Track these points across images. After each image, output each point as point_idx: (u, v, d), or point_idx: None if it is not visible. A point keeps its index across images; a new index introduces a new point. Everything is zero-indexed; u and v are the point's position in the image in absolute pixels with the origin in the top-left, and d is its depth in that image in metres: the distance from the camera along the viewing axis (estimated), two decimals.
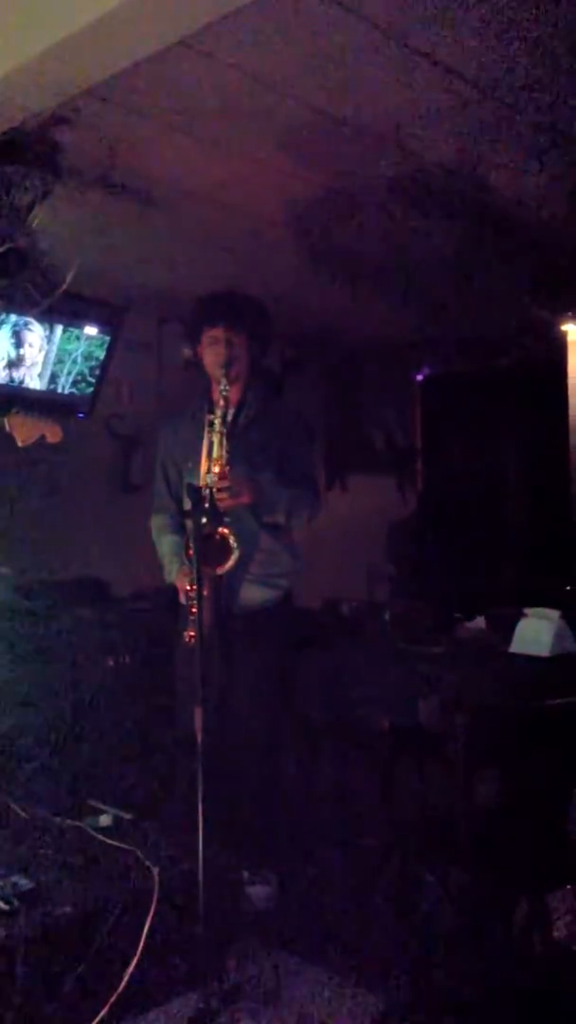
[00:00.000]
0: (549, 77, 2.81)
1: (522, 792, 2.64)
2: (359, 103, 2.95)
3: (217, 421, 2.93)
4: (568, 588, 4.74)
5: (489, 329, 6.17)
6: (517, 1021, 2.42)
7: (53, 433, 2.91)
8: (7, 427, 2.92)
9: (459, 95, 2.91)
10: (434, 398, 7.81)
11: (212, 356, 3.05)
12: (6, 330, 4.63)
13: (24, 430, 2.91)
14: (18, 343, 4.74)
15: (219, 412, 2.94)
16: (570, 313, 5.96)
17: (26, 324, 4.74)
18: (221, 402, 2.95)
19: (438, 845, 2.70)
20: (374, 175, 3.53)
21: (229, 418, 3.01)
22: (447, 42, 2.59)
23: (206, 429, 2.95)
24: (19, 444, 2.94)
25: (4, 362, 4.68)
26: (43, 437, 2.90)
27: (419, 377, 7.85)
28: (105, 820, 2.98)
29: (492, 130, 3.17)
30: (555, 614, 3.55)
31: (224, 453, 2.91)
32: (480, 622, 4.03)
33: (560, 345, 6.17)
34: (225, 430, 2.93)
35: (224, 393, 2.95)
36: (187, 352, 3.22)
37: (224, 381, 2.97)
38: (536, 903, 2.67)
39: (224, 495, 2.87)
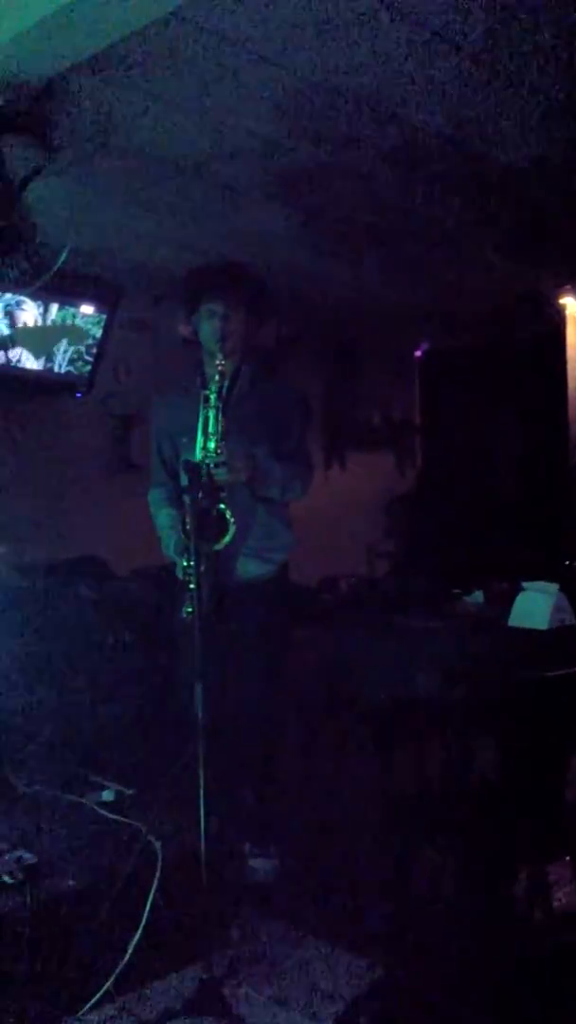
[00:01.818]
0: (544, 44, 2.79)
1: (521, 764, 2.65)
2: (354, 72, 2.93)
3: (213, 396, 2.91)
4: (567, 562, 4.75)
5: (488, 303, 6.15)
6: (517, 992, 2.44)
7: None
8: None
9: (456, 64, 2.88)
10: (433, 373, 7.79)
11: (208, 330, 3.03)
12: None
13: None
14: (11, 323, 4.72)
15: (214, 387, 2.92)
16: (569, 286, 5.94)
17: (19, 303, 4.71)
18: (216, 376, 2.93)
19: (437, 816, 2.72)
20: (371, 146, 3.50)
21: (224, 392, 2.99)
22: (442, 11, 2.57)
23: (201, 404, 2.93)
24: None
25: None
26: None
27: (418, 352, 7.82)
28: (107, 795, 3.00)
29: (491, 99, 3.14)
30: (553, 587, 3.57)
31: (220, 428, 2.90)
32: (479, 596, 4.04)
33: (559, 319, 6.16)
34: (220, 405, 2.92)
35: (220, 367, 2.93)
36: (184, 328, 3.18)
37: (220, 355, 2.94)
38: (536, 874, 2.68)
39: (221, 470, 2.86)
